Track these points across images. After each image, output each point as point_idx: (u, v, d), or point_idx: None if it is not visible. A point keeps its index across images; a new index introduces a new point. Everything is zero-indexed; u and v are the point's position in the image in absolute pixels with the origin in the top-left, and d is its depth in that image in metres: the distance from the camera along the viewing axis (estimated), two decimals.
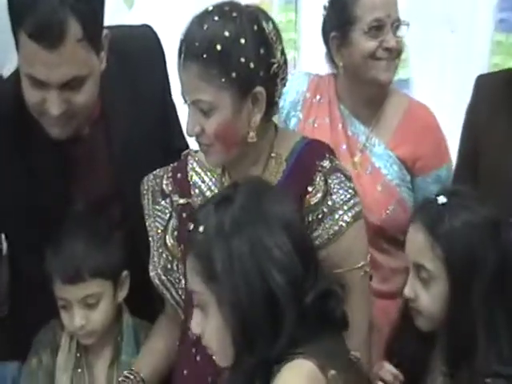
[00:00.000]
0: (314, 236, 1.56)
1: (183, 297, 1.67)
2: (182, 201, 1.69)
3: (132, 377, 1.73)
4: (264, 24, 1.54)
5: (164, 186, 1.72)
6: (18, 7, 1.55)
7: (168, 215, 1.70)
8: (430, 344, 1.65)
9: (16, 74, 1.69)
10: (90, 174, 1.78)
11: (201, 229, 1.34)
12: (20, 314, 1.91)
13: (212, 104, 1.52)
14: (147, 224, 1.72)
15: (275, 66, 1.54)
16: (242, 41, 1.50)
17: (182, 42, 1.53)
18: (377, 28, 2.03)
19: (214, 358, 1.40)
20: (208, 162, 1.64)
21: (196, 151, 1.72)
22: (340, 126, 2.13)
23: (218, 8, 1.54)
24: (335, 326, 1.38)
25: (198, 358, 1.62)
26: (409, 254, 1.63)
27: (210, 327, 1.35)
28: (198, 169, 1.71)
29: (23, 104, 1.64)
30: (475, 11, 2.50)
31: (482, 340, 1.50)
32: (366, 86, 2.09)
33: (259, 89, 1.53)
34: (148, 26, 1.90)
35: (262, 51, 1.52)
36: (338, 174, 1.61)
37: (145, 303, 1.82)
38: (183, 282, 1.66)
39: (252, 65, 1.51)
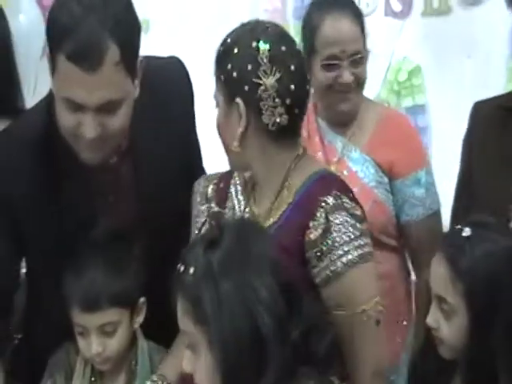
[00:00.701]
0: (313, 272, 1.55)
1: None
2: (217, 209, 1.74)
3: (160, 382, 1.74)
4: (261, 44, 1.58)
5: (209, 191, 1.77)
6: (58, 30, 1.56)
7: (203, 219, 1.75)
8: (452, 371, 1.63)
9: (46, 100, 1.71)
10: (114, 203, 1.79)
11: (191, 271, 1.35)
12: (35, 337, 1.91)
13: (215, 97, 1.63)
14: (193, 222, 1.79)
15: (261, 87, 1.57)
16: (235, 50, 1.59)
17: None
18: (331, 64, 2.09)
19: None
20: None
21: None
22: (317, 137, 2.21)
23: (252, 21, 1.67)
24: (319, 365, 1.38)
25: None
26: (432, 285, 1.63)
27: (200, 367, 1.36)
28: (238, 183, 1.75)
29: (53, 131, 1.66)
30: (491, 37, 2.51)
31: (504, 375, 1.47)
32: (330, 109, 2.18)
33: (238, 100, 1.58)
34: (176, 58, 1.91)
35: (248, 67, 1.57)
36: (343, 213, 1.58)
37: (160, 327, 1.82)
38: None
39: (235, 74, 1.57)
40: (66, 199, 1.73)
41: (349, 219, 1.58)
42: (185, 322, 1.36)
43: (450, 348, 1.60)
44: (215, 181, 1.78)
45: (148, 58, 1.74)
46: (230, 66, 1.58)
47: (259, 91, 1.58)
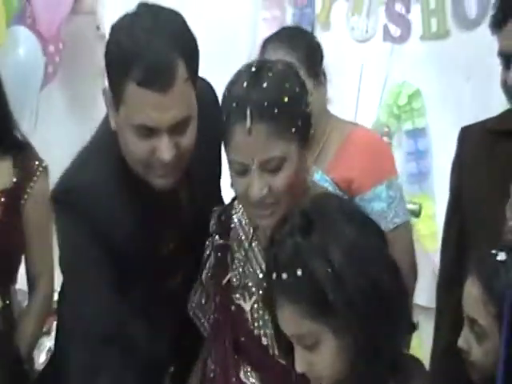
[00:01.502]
0: None
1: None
2: (221, 241, 1.73)
3: None
4: (299, 73, 1.64)
5: (211, 224, 1.77)
6: (123, 59, 1.56)
7: (208, 252, 1.76)
8: None
9: (102, 144, 1.74)
10: (174, 226, 1.78)
11: (299, 273, 1.31)
12: None
13: (282, 158, 1.54)
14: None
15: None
16: (297, 89, 1.57)
17: (242, 105, 1.52)
18: None
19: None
20: (266, 224, 1.61)
21: None
22: None
23: (262, 66, 1.59)
24: None
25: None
26: (464, 306, 1.64)
27: (321, 358, 1.35)
28: (240, 211, 1.74)
29: (124, 167, 1.67)
30: (490, 59, 2.51)
31: None
32: None
33: (312, 131, 1.62)
34: (204, 80, 1.87)
35: (305, 95, 1.60)
36: None
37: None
38: (212, 317, 1.74)
39: (307, 109, 1.59)
40: (145, 225, 1.73)
41: None
42: (301, 324, 1.34)
43: (481, 371, 1.61)
44: (217, 213, 1.77)
45: None
46: (303, 105, 1.58)
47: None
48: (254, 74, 1.56)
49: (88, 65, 3.67)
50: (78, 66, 3.75)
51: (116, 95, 1.59)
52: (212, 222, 1.77)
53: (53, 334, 2.55)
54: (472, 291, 1.60)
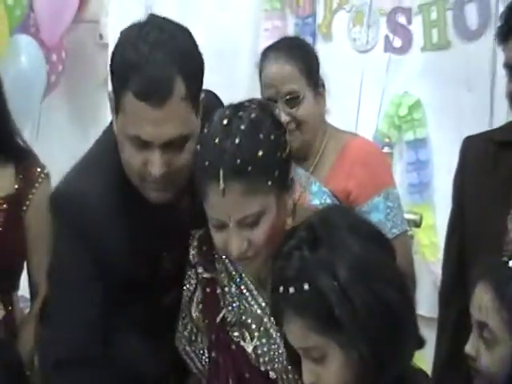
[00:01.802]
0: None
1: (206, 367, 1.67)
2: (206, 275, 1.67)
3: None
4: (272, 110, 1.57)
5: (190, 256, 1.70)
6: (124, 69, 1.57)
7: (193, 286, 1.69)
8: None
9: (107, 147, 1.72)
10: (176, 242, 1.75)
11: (305, 287, 1.31)
12: None
13: (260, 212, 1.48)
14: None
15: (288, 143, 1.54)
16: (272, 137, 1.49)
17: (213, 166, 1.46)
18: None
19: None
20: (248, 271, 1.62)
21: None
22: None
23: (232, 119, 1.49)
24: None
25: None
26: (473, 311, 1.64)
27: (328, 371, 1.35)
28: None
29: (123, 176, 1.66)
30: (491, 70, 2.53)
31: None
32: None
33: (292, 175, 1.56)
34: (210, 92, 1.86)
35: (283, 138, 1.52)
36: None
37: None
38: (206, 354, 1.67)
39: (284, 154, 1.51)
40: (139, 239, 1.72)
41: None
42: (307, 337, 1.34)
43: (489, 379, 1.61)
44: (194, 243, 1.71)
45: None
46: (279, 153, 1.50)
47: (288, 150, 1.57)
48: (225, 127, 1.48)
49: (91, 73, 3.71)
50: (81, 74, 3.77)
51: (116, 102, 1.61)
52: (192, 252, 1.71)
53: None
54: (483, 297, 1.60)
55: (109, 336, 1.76)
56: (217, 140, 1.46)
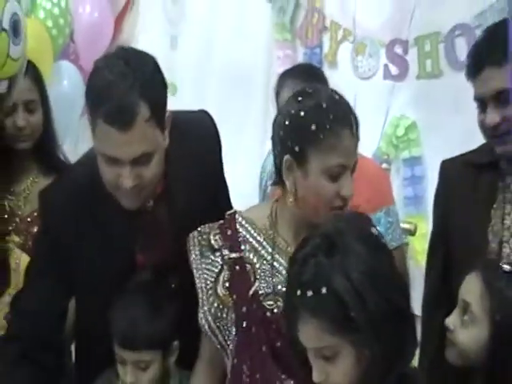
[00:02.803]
0: None
1: (229, 342, 1.66)
2: (234, 255, 1.66)
3: None
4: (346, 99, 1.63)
5: (213, 242, 1.69)
6: (94, 97, 1.59)
7: (219, 267, 1.67)
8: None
9: (90, 154, 1.73)
10: (152, 244, 1.77)
11: (323, 290, 1.28)
12: (81, 364, 1.95)
13: (282, 181, 1.59)
14: (195, 276, 1.70)
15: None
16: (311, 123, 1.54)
17: (345, 119, 1.57)
18: None
19: None
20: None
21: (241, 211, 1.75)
22: None
23: (308, 94, 1.58)
24: None
25: None
26: (462, 291, 1.63)
27: (338, 369, 1.33)
28: (247, 226, 1.69)
29: (98, 180, 1.67)
30: None
31: None
32: None
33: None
34: (205, 111, 1.90)
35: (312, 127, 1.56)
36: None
37: (191, 353, 1.80)
38: (233, 329, 1.64)
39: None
40: (109, 240, 1.74)
41: None
42: (322, 338, 1.31)
43: (460, 353, 1.60)
44: (216, 231, 1.70)
45: (180, 112, 1.75)
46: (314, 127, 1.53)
47: None
48: (310, 95, 1.57)
49: None
50: None
51: (91, 125, 1.61)
52: (214, 238, 1.70)
53: None
54: (474, 281, 1.59)
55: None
56: (324, 105, 1.54)
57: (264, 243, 1.67)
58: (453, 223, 1.92)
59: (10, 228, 2.21)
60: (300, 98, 1.57)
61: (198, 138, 1.67)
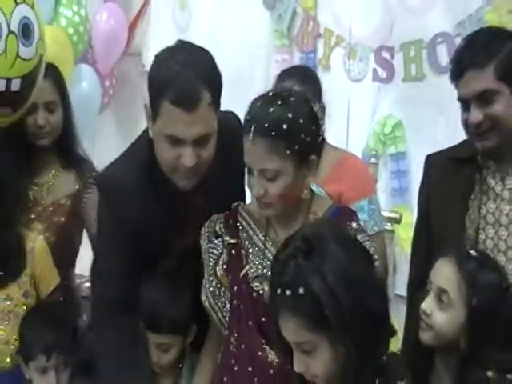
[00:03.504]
0: None
1: (226, 318, 1.69)
2: (232, 240, 1.70)
3: None
4: (313, 105, 1.61)
5: (217, 229, 1.72)
6: (161, 82, 1.59)
7: (220, 251, 1.71)
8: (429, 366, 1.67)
9: (140, 144, 1.76)
10: (189, 226, 1.77)
11: (301, 290, 1.27)
12: None
13: (277, 171, 1.55)
14: (203, 258, 1.73)
15: (321, 136, 1.60)
16: (301, 120, 1.54)
17: (251, 122, 1.56)
18: None
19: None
20: (267, 214, 1.67)
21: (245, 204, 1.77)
22: None
23: (278, 94, 1.59)
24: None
25: (235, 368, 1.65)
26: (434, 277, 1.65)
27: (316, 362, 1.32)
28: (246, 217, 1.72)
29: (153, 167, 1.69)
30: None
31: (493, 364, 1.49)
32: None
33: (313, 157, 1.60)
34: (233, 113, 1.90)
35: (313, 127, 1.58)
36: (363, 234, 1.66)
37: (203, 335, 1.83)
38: (228, 306, 1.68)
39: (308, 138, 1.55)
40: (159, 221, 1.74)
41: (367, 239, 1.66)
42: (301, 335, 1.30)
43: (436, 336, 1.61)
44: (221, 220, 1.73)
45: None
46: (303, 135, 1.54)
47: (319, 140, 1.63)
48: (268, 98, 1.58)
49: (135, 96, 3.66)
50: (127, 97, 3.75)
51: (154, 110, 1.62)
52: (219, 225, 1.72)
53: None
54: (447, 268, 1.60)
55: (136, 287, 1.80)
56: (259, 104, 1.57)
57: (257, 232, 1.70)
58: (435, 211, 1.93)
59: (33, 216, 2.23)
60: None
61: (230, 134, 1.67)
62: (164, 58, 1.62)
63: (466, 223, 1.83)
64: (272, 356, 1.61)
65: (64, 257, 2.27)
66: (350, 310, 1.25)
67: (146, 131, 1.76)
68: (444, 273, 1.62)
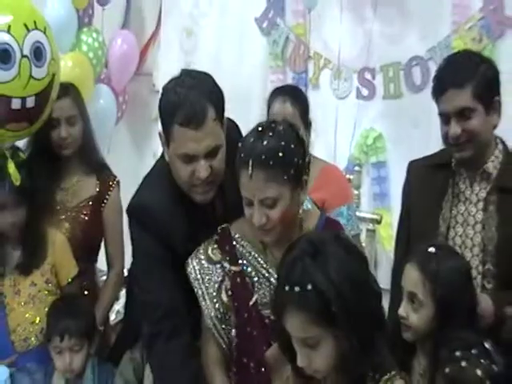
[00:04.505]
0: None
1: (228, 342, 1.61)
2: (234, 268, 1.60)
3: None
4: (298, 131, 1.57)
5: (211, 255, 1.63)
6: (170, 108, 1.58)
7: (220, 278, 1.61)
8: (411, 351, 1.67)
9: (159, 170, 1.73)
10: (208, 231, 1.69)
11: (309, 287, 1.23)
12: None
13: (276, 198, 1.48)
14: (194, 285, 1.62)
15: (308, 157, 1.54)
16: (292, 146, 1.48)
17: (247, 157, 1.47)
18: None
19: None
20: (266, 241, 1.58)
21: (231, 224, 1.66)
22: None
23: (266, 127, 1.52)
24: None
25: None
26: (404, 284, 1.64)
27: (320, 355, 1.28)
28: (242, 242, 1.63)
29: (174, 190, 1.66)
30: (431, 112, 2.58)
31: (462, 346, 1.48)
32: None
33: (305, 177, 1.54)
34: (233, 121, 1.85)
35: (302, 150, 1.52)
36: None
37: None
38: (233, 331, 1.59)
39: (301, 161, 1.50)
40: (189, 230, 1.69)
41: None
42: (308, 329, 1.25)
43: (415, 333, 1.61)
44: (213, 245, 1.63)
45: None
46: (296, 159, 1.48)
47: (307, 160, 1.56)
48: (259, 132, 1.50)
49: (145, 112, 3.66)
50: (139, 112, 3.74)
51: (166, 135, 1.60)
52: (212, 251, 1.63)
53: (121, 300, 2.57)
54: (413, 273, 1.60)
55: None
56: (251, 140, 1.50)
57: (258, 258, 1.61)
58: (414, 209, 1.95)
59: (63, 217, 2.24)
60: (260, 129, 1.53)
61: (234, 142, 1.60)
62: (170, 86, 1.61)
63: (439, 221, 1.84)
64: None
65: (88, 252, 2.28)
66: (354, 307, 1.23)
67: (159, 159, 1.75)
68: (411, 277, 1.61)
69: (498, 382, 1.41)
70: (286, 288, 1.25)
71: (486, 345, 1.44)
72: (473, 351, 1.42)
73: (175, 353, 1.63)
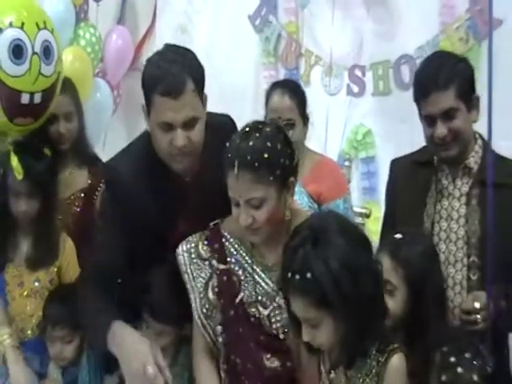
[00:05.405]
0: None
1: (217, 337, 1.61)
2: (222, 266, 1.61)
3: None
4: (286, 132, 1.57)
5: (201, 252, 1.64)
6: (152, 79, 1.61)
7: (208, 275, 1.62)
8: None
9: (141, 141, 1.75)
10: (189, 211, 1.71)
11: (308, 275, 1.29)
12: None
13: (263, 198, 1.48)
14: (184, 277, 1.63)
15: (296, 158, 1.54)
16: (279, 147, 1.48)
17: (233, 158, 1.47)
18: None
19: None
20: (254, 241, 1.59)
21: (223, 221, 1.66)
22: None
23: (253, 128, 1.52)
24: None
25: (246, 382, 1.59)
26: None
27: (322, 333, 1.35)
28: (231, 240, 1.64)
29: (152, 158, 1.67)
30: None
31: (432, 325, 1.55)
32: None
33: (292, 179, 1.53)
34: (229, 116, 1.89)
35: (289, 151, 1.52)
36: None
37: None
38: (219, 327, 1.60)
39: (287, 162, 1.49)
40: (158, 207, 1.70)
41: None
42: (308, 311, 1.33)
43: (392, 319, 1.61)
44: (204, 242, 1.63)
45: (213, 114, 1.76)
46: (282, 159, 1.48)
47: (295, 161, 1.54)
48: (245, 133, 1.50)
49: (139, 105, 3.69)
50: (133, 106, 3.61)
51: (148, 105, 1.63)
52: (203, 248, 1.63)
53: None
54: (384, 260, 1.61)
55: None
56: (238, 141, 1.50)
57: (245, 256, 1.61)
58: (398, 206, 1.97)
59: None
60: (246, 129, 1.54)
61: (225, 135, 1.61)
62: (153, 60, 1.64)
63: (424, 218, 1.86)
64: (276, 363, 1.57)
65: (81, 244, 2.26)
66: (350, 293, 1.28)
67: (144, 133, 1.77)
68: (384, 266, 1.60)
69: (492, 382, 1.44)
70: (289, 275, 1.33)
71: (476, 343, 1.48)
72: (466, 355, 1.45)
73: (97, 299, 1.66)
